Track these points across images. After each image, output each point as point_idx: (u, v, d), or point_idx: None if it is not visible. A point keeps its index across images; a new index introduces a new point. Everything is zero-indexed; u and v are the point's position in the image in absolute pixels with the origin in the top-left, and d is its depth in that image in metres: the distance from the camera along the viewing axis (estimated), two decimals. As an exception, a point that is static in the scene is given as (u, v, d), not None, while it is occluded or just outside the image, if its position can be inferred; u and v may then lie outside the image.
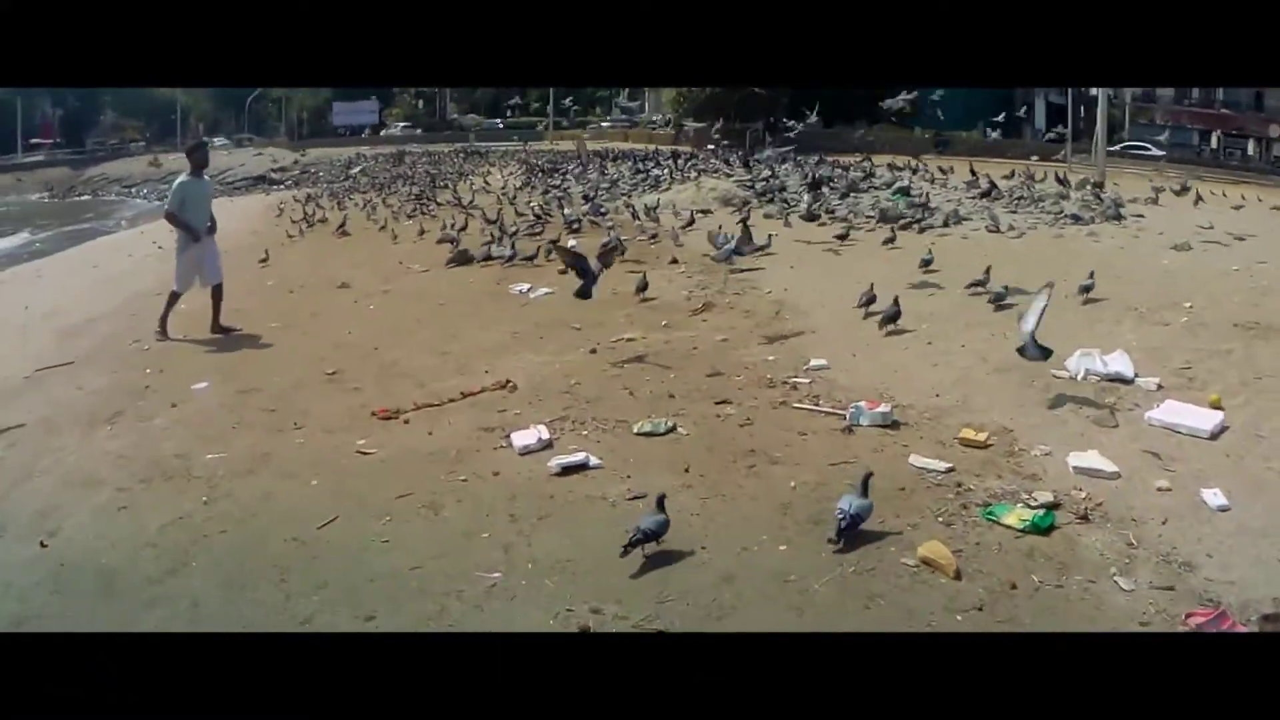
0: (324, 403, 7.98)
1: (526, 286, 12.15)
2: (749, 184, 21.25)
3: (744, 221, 14.17)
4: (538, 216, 18.52)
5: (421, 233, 19.09)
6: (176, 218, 10.55)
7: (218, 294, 10.70)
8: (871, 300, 9.89)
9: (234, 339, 10.58)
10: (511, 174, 32.59)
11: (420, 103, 73.06)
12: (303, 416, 7.61)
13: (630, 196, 21.56)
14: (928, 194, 18.25)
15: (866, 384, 7.78)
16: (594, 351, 8.98)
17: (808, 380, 7.95)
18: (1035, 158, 33.65)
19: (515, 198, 23.64)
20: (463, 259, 14.64)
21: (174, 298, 10.73)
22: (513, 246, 14.35)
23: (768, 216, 17.44)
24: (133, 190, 60.77)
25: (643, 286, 11.38)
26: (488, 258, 14.54)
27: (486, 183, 28.58)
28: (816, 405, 7.32)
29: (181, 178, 10.66)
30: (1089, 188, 20.20)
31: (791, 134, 40.10)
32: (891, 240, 14.58)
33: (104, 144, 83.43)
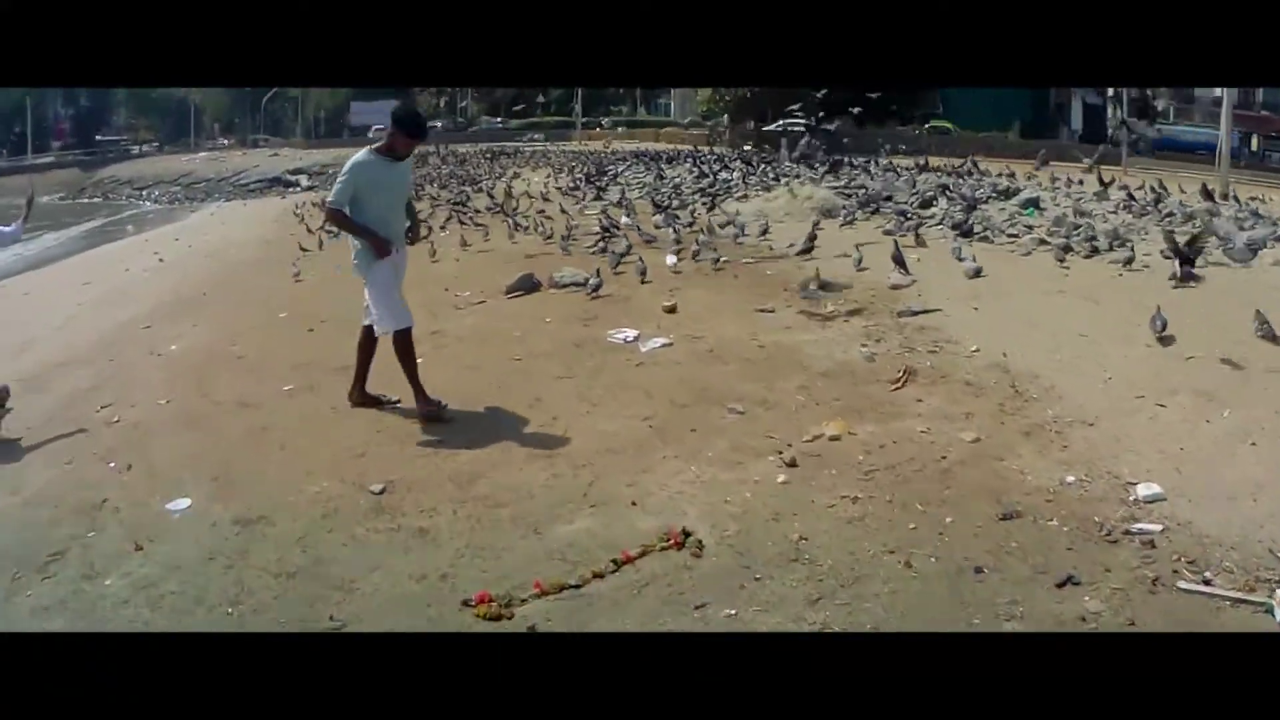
0: (377, 562, 4.77)
1: (632, 334, 8.87)
2: (846, 192, 17.88)
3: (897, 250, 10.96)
4: (604, 229, 15.22)
5: (464, 245, 15.87)
6: (343, 216, 6.58)
7: (405, 348, 6.95)
8: (1165, 324, 7.84)
9: (230, 411, 7.45)
10: (550, 177, 29.21)
11: (441, 101, 69.78)
12: (345, 593, 4.46)
13: (711, 204, 18.32)
14: (1083, 209, 14.83)
15: (1234, 528, 4.81)
16: (793, 464, 5.70)
17: (1159, 528, 4.85)
18: (1088, 160, 30.24)
19: (582, 206, 20.40)
20: (527, 286, 11.39)
21: (369, 346, 7.18)
22: (598, 272, 11.05)
23: (887, 233, 14.12)
24: (143, 193, 57.81)
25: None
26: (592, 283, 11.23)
27: (528, 191, 24.96)
28: (1207, 583, 4.33)
29: (360, 155, 6.51)
30: (1235, 201, 16.73)
31: (832, 133, 37.42)
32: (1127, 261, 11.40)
33: (116, 145, 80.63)
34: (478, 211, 20.62)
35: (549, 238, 15.71)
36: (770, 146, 36.83)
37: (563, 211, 18.74)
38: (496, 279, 12.35)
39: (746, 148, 39.47)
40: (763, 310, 9.69)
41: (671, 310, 9.82)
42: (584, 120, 60.65)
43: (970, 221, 14.33)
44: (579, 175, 27.05)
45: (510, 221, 17.46)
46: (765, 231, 14.25)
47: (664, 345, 8.53)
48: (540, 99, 65.23)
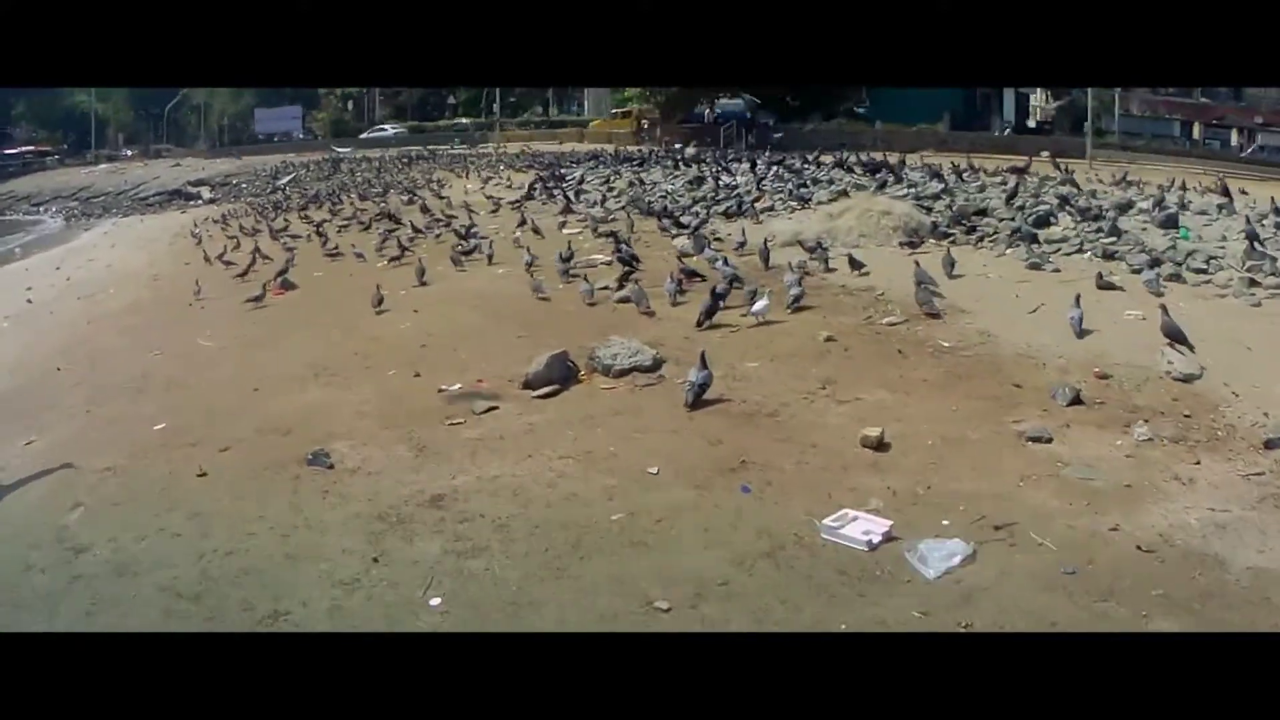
0: None
1: (878, 528, 4.20)
2: (925, 206, 13.07)
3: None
4: (623, 260, 10.40)
5: (421, 282, 10.93)
6: None
7: None
8: None
9: None
10: (488, 180, 23.95)
11: (349, 104, 63.51)
12: None
13: (751, 216, 13.73)
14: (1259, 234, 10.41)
15: None
16: None
17: None
18: (1046, 153, 26.16)
19: (563, 223, 15.23)
20: (561, 376, 6.73)
21: None
22: (704, 360, 6.16)
23: (1035, 266, 9.69)
24: (40, 208, 50.34)
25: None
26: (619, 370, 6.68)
27: (468, 202, 19.44)
28: None
29: None
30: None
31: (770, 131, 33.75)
32: None
33: (18, 158, 71.65)
34: (417, 231, 15.47)
35: (531, 266, 10.93)
36: (702, 142, 32.52)
37: (535, 232, 13.75)
38: (491, 348, 7.81)
39: (677, 145, 34.81)
40: (1038, 440, 5.16)
41: (880, 445, 5.14)
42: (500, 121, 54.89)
43: (1119, 249, 10.07)
44: (532, 182, 21.64)
45: (465, 246, 12.93)
46: (860, 267, 9.54)
47: (965, 561, 3.89)
48: (451, 100, 59.70)
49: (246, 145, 59.54)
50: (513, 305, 9.45)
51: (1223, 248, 10.05)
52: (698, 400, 5.94)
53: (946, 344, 7.07)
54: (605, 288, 9.79)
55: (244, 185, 35.45)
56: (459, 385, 6.84)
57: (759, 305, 8.07)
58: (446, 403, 6.50)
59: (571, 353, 7.02)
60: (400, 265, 12.45)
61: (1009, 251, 10.35)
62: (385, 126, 54.99)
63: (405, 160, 36.74)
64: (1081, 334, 7.11)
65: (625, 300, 9.12)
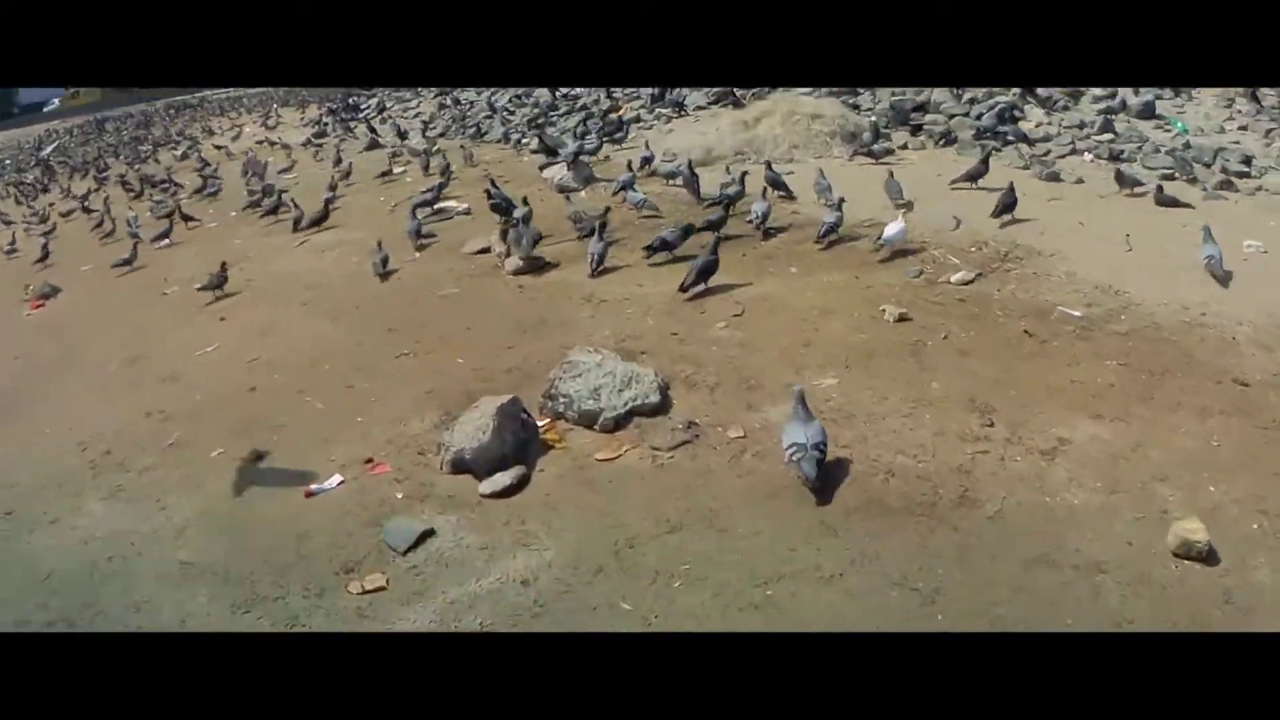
0: None
1: None
2: (851, 104, 10.18)
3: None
4: (499, 209, 7.55)
5: (222, 270, 7.58)
6: None
7: None
8: None
9: None
10: (268, 121, 20.02)
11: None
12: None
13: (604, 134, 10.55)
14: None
15: None
16: None
17: None
18: None
19: (403, 158, 11.93)
20: (520, 444, 3.95)
21: None
22: (809, 417, 3.46)
23: (1053, 177, 7.44)
24: None
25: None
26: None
27: (254, 148, 15.66)
28: None
29: None
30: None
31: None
32: None
33: None
34: (209, 192, 11.82)
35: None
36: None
37: (342, 174, 10.66)
38: (364, 385, 5.07)
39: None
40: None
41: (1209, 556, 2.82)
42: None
43: (1124, 148, 8.13)
44: (322, 114, 17.96)
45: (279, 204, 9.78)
46: (840, 201, 6.86)
47: None
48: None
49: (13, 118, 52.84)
50: (362, 295, 6.51)
51: (1237, 142, 8.17)
52: (820, 478, 3.34)
53: (1076, 312, 4.72)
54: (484, 250, 7.03)
55: (7, 160, 30.18)
56: (339, 479, 4.06)
57: (892, 230, 5.70)
58: (334, 525, 3.67)
59: (490, 377, 4.33)
60: (184, 242, 9.20)
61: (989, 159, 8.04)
62: (55, 100, 53.27)
63: (172, 111, 32.88)
64: (1225, 281, 5.05)
65: (524, 271, 6.40)
